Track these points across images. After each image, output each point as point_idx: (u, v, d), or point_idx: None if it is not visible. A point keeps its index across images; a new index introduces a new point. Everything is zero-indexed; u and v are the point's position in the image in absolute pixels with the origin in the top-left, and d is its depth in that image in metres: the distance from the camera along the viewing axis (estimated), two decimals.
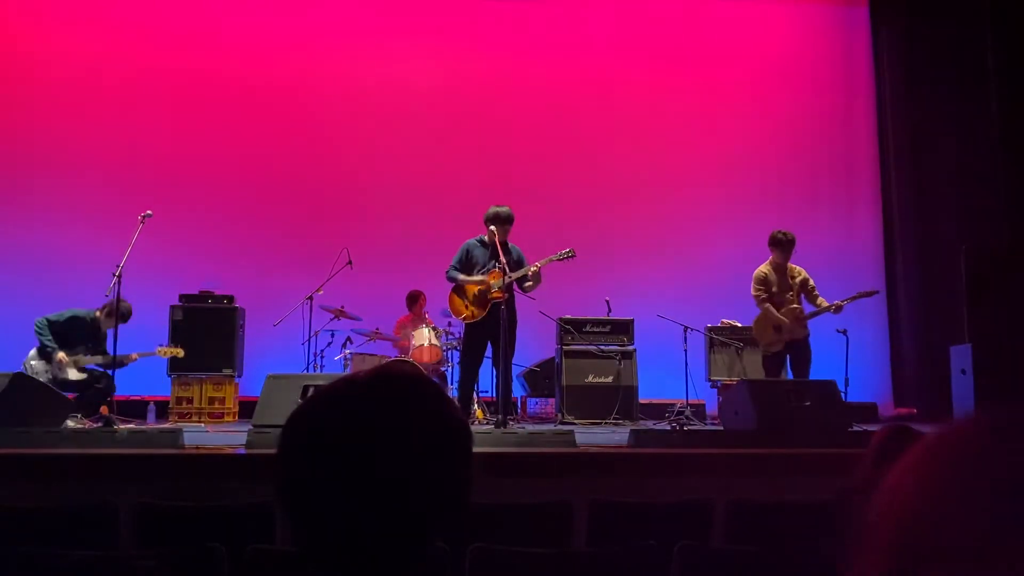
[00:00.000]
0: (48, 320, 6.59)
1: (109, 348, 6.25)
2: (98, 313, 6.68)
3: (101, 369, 6.61)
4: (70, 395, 6.23)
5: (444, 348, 7.57)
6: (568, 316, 7.77)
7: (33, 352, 6.58)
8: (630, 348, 7.70)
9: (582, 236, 8.45)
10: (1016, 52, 8.31)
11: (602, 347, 7.65)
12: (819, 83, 9.50)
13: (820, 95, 9.48)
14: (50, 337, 6.52)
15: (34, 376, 6.27)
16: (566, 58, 9.28)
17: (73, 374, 6.54)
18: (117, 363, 6.22)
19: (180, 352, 6.92)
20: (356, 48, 9.14)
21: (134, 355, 6.74)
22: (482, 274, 6.33)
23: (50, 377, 6.41)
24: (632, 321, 7.80)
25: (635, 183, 9.09)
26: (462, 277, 6.35)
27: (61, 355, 6.51)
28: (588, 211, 8.87)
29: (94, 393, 6.53)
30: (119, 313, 6.20)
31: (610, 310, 7.89)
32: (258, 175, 8.83)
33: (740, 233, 7.82)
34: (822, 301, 6.63)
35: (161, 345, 6.99)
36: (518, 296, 6.42)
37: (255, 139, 8.88)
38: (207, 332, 7.68)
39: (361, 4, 9.27)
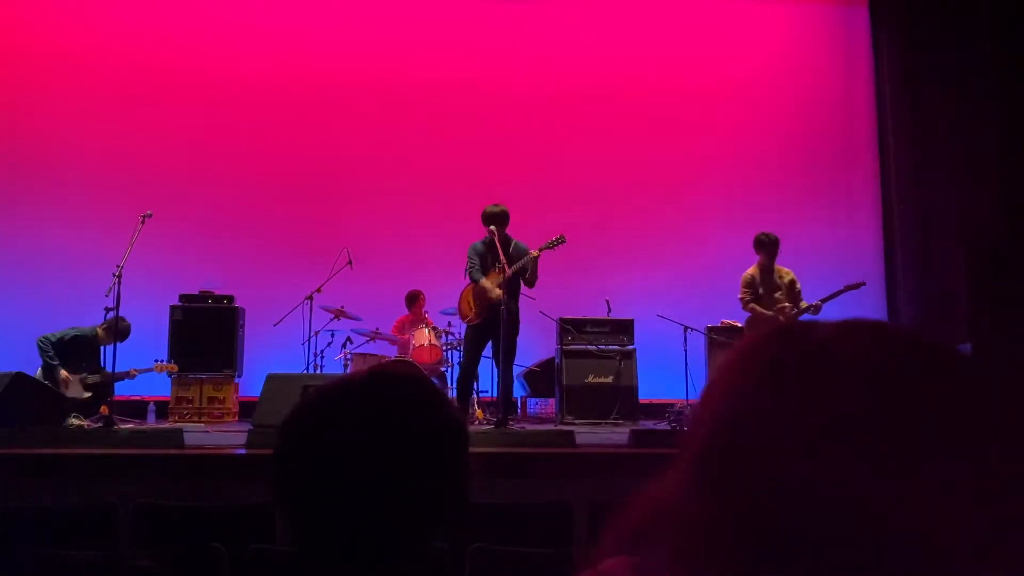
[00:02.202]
0: (51, 339, 6.58)
1: (105, 362, 6.28)
2: (99, 331, 6.69)
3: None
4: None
5: (444, 348, 7.57)
6: (568, 316, 7.77)
7: (39, 372, 6.57)
8: (630, 348, 7.69)
9: (582, 236, 8.44)
10: (1016, 52, 8.30)
11: (602, 347, 7.65)
12: (819, 83, 9.50)
13: (820, 95, 9.47)
14: (52, 354, 6.53)
15: None
16: (566, 58, 9.28)
17: (77, 392, 6.55)
18: (116, 379, 6.23)
19: (175, 368, 7.07)
20: (356, 48, 9.13)
21: (133, 371, 6.78)
22: (485, 276, 6.34)
23: None
24: (632, 321, 7.80)
25: (635, 183, 9.08)
26: (481, 278, 6.35)
27: (64, 373, 6.52)
28: (588, 211, 8.85)
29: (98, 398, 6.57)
30: (118, 330, 6.19)
31: (610, 310, 7.88)
32: (258, 175, 8.82)
33: (740, 233, 7.81)
34: (803, 303, 6.65)
35: (158, 361, 7.07)
36: (519, 296, 6.40)
37: (255, 139, 8.87)
38: (207, 332, 7.67)
39: (361, 4, 9.27)
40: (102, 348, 6.77)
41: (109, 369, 6.14)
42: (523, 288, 6.39)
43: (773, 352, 0.66)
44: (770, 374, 0.64)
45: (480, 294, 6.32)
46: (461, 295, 6.53)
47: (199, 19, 9.00)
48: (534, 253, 6.17)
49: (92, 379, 6.64)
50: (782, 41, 9.54)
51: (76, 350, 6.68)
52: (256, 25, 9.06)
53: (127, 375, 6.68)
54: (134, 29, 8.88)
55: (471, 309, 6.38)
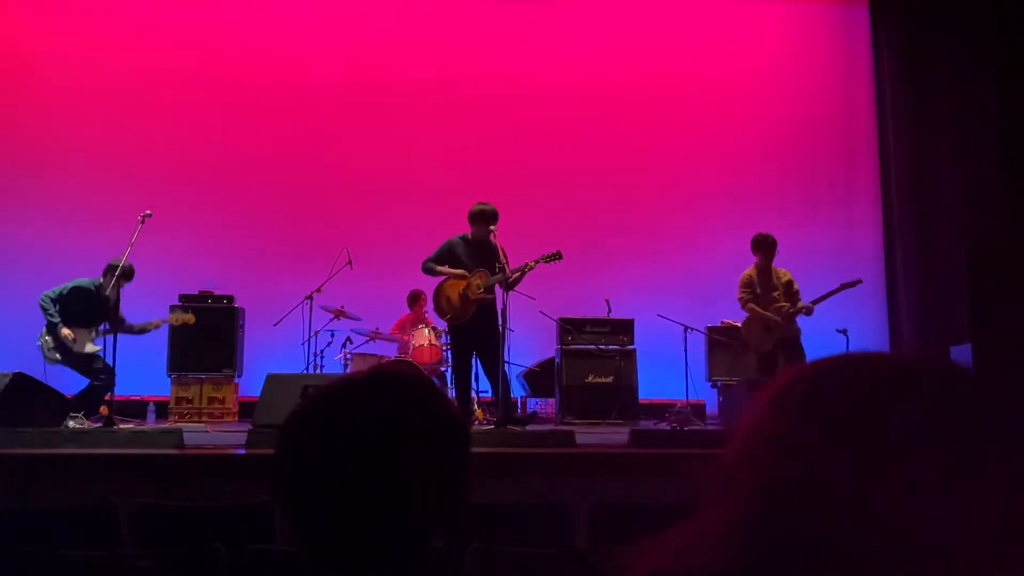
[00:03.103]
0: (50, 296, 6.37)
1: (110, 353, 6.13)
2: (101, 280, 6.44)
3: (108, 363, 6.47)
4: (69, 394, 6.17)
5: (444, 348, 7.57)
6: (568, 316, 7.77)
7: (44, 329, 6.39)
8: (630, 348, 7.70)
9: (582, 236, 8.46)
10: (1016, 52, 8.30)
11: (602, 347, 7.65)
12: (819, 83, 9.50)
13: (820, 95, 9.47)
14: (53, 311, 6.31)
15: (48, 352, 6.20)
16: (566, 57, 9.28)
17: (88, 347, 6.32)
18: (130, 331, 6.14)
19: (192, 319, 6.87)
20: (356, 47, 9.13)
21: (153, 322, 6.58)
22: (465, 275, 6.17)
23: (58, 354, 6.27)
24: (632, 321, 7.80)
25: (636, 183, 9.08)
26: (439, 268, 6.14)
27: (66, 331, 6.28)
28: (589, 211, 8.87)
29: (95, 389, 6.42)
30: (122, 271, 6.08)
31: (610, 310, 7.88)
32: (258, 175, 8.83)
33: (740, 233, 7.83)
34: (800, 303, 6.66)
35: (179, 313, 6.88)
36: (513, 295, 6.34)
37: (255, 139, 8.87)
38: (207, 332, 7.66)
39: (361, 3, 9.27)
40: (119, 300, 6.41)
41: (110, 362, 5.97)
42: (516, 288, 6.24)
43: (806, 388, 0.65)
44: (806, 410, 0.64)
45: (447, 292, 6.15)
46: (436, 291, 6.30)
47: (198, 19, 9.00)
48: (531, 263, 6.06)
49: (103, 332, 6.36)
50: (782, 41, 9.54)
51: (78, 303, 6.41)
52: (255, 25, 9.06)
53: (149, 325, 6.48)
54: (134, 29, 8.88)
55: (451, 308, 6.17)
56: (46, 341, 6.32)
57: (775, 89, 9.37)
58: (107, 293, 6.27)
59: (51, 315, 6.33)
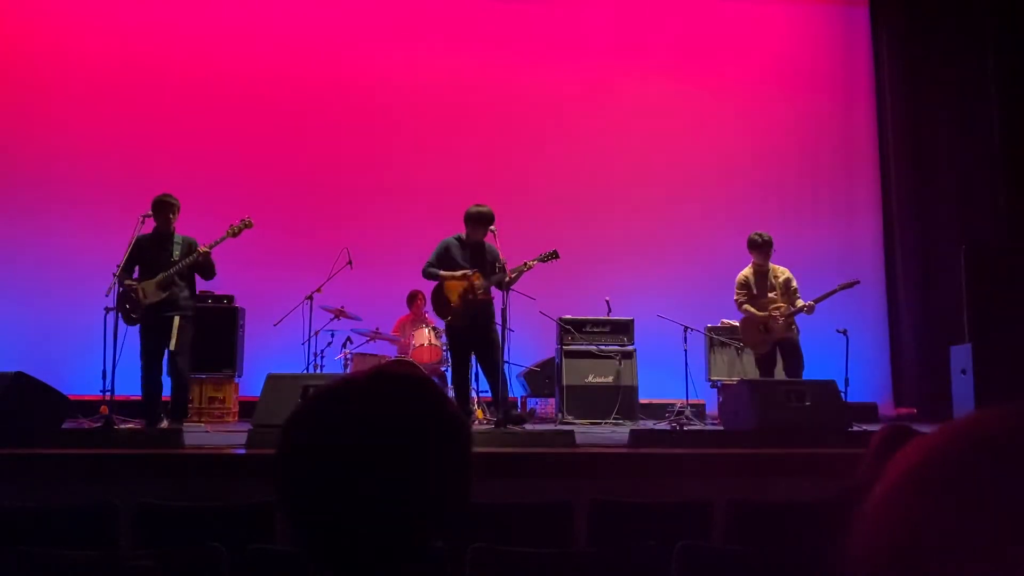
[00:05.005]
0: (120, 264, 6.07)
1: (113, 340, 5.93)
2: (156, 223, 6.22)
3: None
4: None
5: (444, 348, 7.57)
6: (568, 316, 7.77)
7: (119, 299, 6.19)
8: (630, 348, 7.70)
9: (582, 236, 8.46)
10: (1016, 51, 8.31)
11: (602, 347, 7.65)
12: (819, 83, 9.50)
13: (820, 95, 9.47)
14: (121, 272, 6.02)
15: (128, 317, 6.02)
16: (566, 58, 9.28)
17: (153, 295, 6.03)
18: (198, 266, 6.02)
19: (250, 222, 6.36)
20: (356, 48, 9.13)
21: (204, 248, 6.17)
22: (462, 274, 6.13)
23: (134, 315, 6.04)
24: (632, 321, 7.80)
25: (635, 183, 9.08)
26: (441, 272, 6.11)
27: (128, 283, 6.03)
28: (588, 211, 8.87)
29: (175, 390, 6.27)
30: (154, 206, 6.01)
31: (610, 310, 7.89)
32: (258, 175, 8.82)
33: (740, 233, 7.83)
34: (800, 302, 6.65)
35: (232, 224, 6.41)
36: (514, 295, 6.35)
37: (255, 139, 8.87)
38: (207, 332, 7.63)
39: (362, 5, 9.27)
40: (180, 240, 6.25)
41: (114, 345, 5.82)
42: (516, 288, 6.24)
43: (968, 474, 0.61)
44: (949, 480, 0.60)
45: (447, 292, 6.10)
46: (435, 291, 6.26)
47: (199, 20, 9.00)
48: (529, 263, 6.08)
49: (162, 276, 6.03)
50: (782, 41, 9.54)
51: (140, 259, 6.16)
52: (255, 26, 9.06)
53: (203, 254, 6.11)
54: (134, 30, 8.89)
55: (451, 310, 6.12)
56: (123, 306, 6.08)
57: (775, 89, 9.37)
58: (163, 231, 6.14)
59: (122, 281, 6.03)
